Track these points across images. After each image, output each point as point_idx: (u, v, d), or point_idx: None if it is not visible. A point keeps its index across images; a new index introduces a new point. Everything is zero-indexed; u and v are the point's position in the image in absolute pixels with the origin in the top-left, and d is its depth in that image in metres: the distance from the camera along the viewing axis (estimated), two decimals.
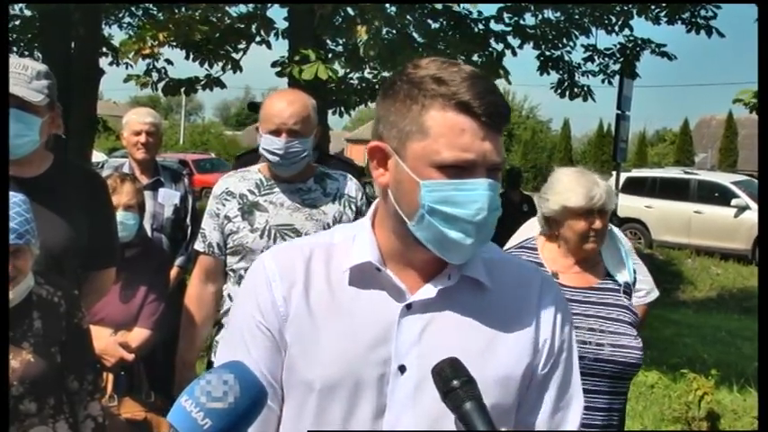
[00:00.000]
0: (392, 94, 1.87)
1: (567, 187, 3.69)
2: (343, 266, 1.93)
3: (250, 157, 5.46)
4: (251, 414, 1.64)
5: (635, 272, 3.89)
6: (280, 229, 3.90)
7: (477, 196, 1.79)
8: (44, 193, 3.42)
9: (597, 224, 3.66)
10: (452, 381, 1.75)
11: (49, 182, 3.51)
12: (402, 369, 1.87)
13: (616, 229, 4.87)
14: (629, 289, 3.77)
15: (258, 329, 1.94)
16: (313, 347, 1.89)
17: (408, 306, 1.89)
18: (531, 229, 4.30)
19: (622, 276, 3.78)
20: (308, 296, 1.92)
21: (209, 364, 4.30)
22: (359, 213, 4.00)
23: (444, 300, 1.90)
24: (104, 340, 4.17)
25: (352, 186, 4.11)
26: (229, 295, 4.05)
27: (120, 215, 4.31)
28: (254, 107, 5.01)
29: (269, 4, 11.35)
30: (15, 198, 2.98)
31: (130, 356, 4.28)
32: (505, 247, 4.02)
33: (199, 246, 4.11)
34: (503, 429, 1.89)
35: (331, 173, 4.16)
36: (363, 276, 1.92)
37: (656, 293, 4.98)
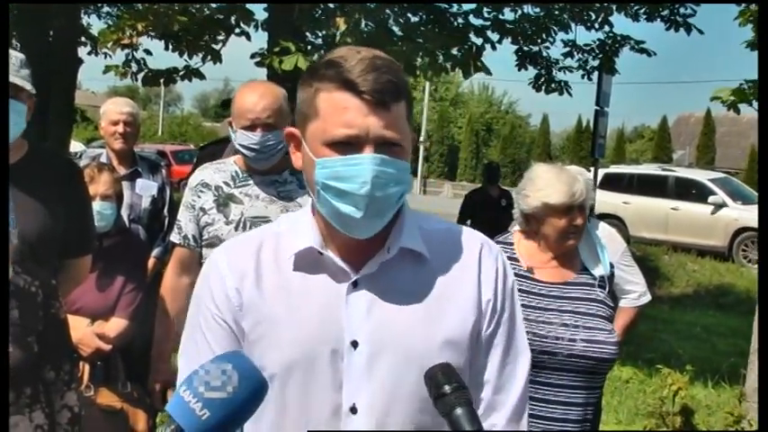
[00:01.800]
0: (300, 83, 2.00)
1: (548, 183, 3.68)
2: (288, 253, 2.01)
3: (213, 148, 5.45)
4: (250, 405, 1.64)
5: (612, 265, 3.89)
6: (255, 222, 3.89)
7: (361, 170, 1.86)
8: (19, 181, 3.41)
9: (578, 221, 3.66)
10: (444, 386, 1.78)
11: (23, 169, 3.50)
12: (354, 344, 1.96)
13: (603, 224, 4.89)
14: (604, 282, 3.76)
15: (215, 322, 2.02)
16: (268, 333, 1.97)
17: (354, 284, 1.98)
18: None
19: (598, 270, 3.77)
20: (260, 285, 2.01)
21: None
22: None
23: (387, 273, 1.99)
24: (81, 330, 4.16)
25: None
26: None
27: (98, 205, 4.29)
28: (227, 104, 5.01)
29: None
30: None
31: (107, 347, 4.27)
32: None
33: (174, 237, 4.11)
34: None
35: None
36: (308, 261, 2.01)
37: (648, 297, 5.01)
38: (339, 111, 1.87)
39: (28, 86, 3.42)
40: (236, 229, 3.89)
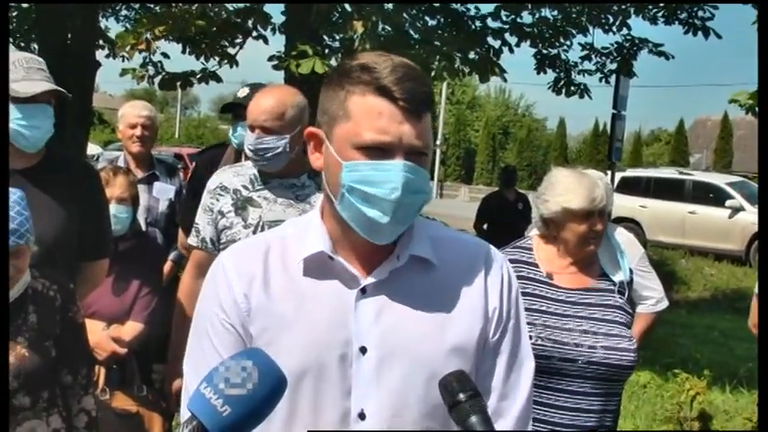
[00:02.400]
0: (327, 84, 2.00)
1: (568, 188, 3.64)
2: (297, 258, 2.00)
3: (212, 152, 5.45)
4: (270, 401, 1.64)
5: (631, 271, 3.86)
6: (272, 225, 3.84)
7: (392, 176, 1.87)
8: (37, 185, 3.43)
9: (599, 226, 3.62)
10: (459, 394, 1.78)
11: (41, 173, 3.52)
12: (363, 350, 1.96)
13: (621, 229, 4.85)
14: (623, 288, 3.72)
15: (222, 326, 2.02)
16: (277, 338, 1.96)
17: (363, 290, 1.98)
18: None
19: (618, 276, 3.73)
20: (268, 289, 2.01)
21: None
22: None
23: (396, 280, 2.00)
24: (97, 334, 4.16)
25: None
26: None
27: (113, 208, 4.29)
28: (225, 109, 5.03)
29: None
30: (14, 196, 2.97)
31: (123, 350, 4.27)
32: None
33: (192, 240, 4.11)
34: None
35: None
36: (317, 266, 2.01)
37: (665, 303, 4.96)
38: (373, 115, 1.87)
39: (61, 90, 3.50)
40: (255, 232, 3.88)
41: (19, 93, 3.38)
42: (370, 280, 1.98)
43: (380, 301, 1.98)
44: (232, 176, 4.05)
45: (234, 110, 5.09)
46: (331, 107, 1.95)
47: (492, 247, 2.17)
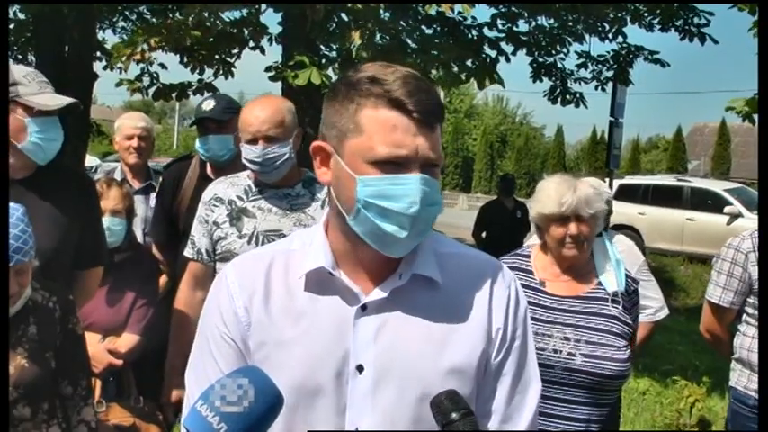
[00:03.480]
0: (332, 96, 1.97)
1: (544, 194, 3.74)
2: (299, 273, 1.99)
3: (178, 165, 5.42)
4: (266, 419, 1.64)
5: (634, 281, 3.86)
6: (268, 235, 3.89)
7: (409, 190, 1.85)
8: (35, 194, 3.43)
9: (572, 230, 3.66)
10: (451, 413, 1.78)
11: (39, 183, 3.51)
12: (360, 369, 1.93)
13: (621, 237, 4.86)
14: (617, 298, 3.72)
15: (223, 340, 2.00)
16: (275, 353, 1.95)
17: (363, 307, 1.96)
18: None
19: (611, 285, 3.74)
20: (268, 303, 1.99)
21: None
22: None
23: (397, 299, 1.97)
24: (93, 346, 4.15)
25: None
26: None
27: (107, 221, 4.29)
28: (195, 123, 4.98)
29: (263, 9, 11.31)
30: (17, 212, 2.96)
31: (119, 362, 4.26)
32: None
33: (188, 252, 4.11)
34: None
35: None
36: (318, 281, 1.99)
37: (665, 312, 4.97)
38: (387, 129, 1.85)
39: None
40: (249, 242, 3.90)
41: (41, 106, 3.36)
42: (371, 297, 1.96)
43: (380, 319, 1.96)
44: (226, 187, 4.06)
45: (202, 123, 5.03)
46: (339, 121, 1.92)
47: (503, 265, 2.14)
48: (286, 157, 3.89)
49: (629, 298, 3.77)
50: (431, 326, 1.96)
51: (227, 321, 2.00)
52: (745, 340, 4.35)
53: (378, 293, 1.96)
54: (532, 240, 4.21)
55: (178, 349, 4.14)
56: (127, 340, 4.35)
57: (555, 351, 3.53)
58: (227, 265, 2.12)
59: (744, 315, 4.38)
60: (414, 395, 1.91)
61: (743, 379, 4.36)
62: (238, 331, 1.98)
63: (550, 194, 3.70)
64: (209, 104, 5.05)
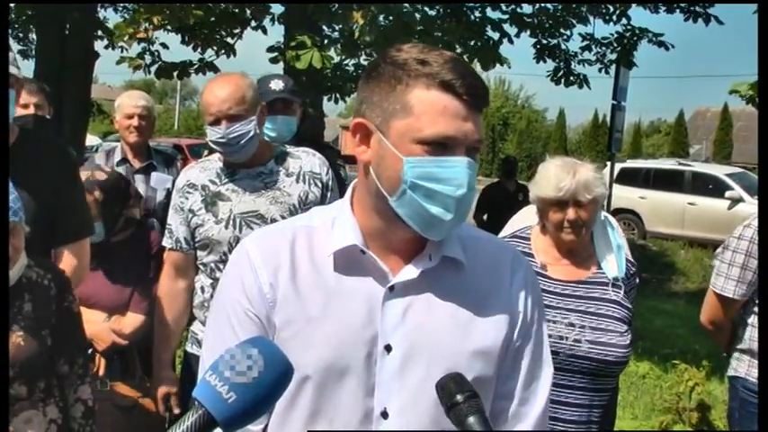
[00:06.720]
0: (376, 76, 1.93)
1: (543, 177, 3.69)
2: (327, 251, 1.98)
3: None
4: (276, 389, 1.62)
5: (633, 265, 3.83)
6: (244, 217, 3.84)
7: (457, 173, 1.86)
8: (11, 168, 3.37)
9: (570, 214, 3.62)
10: (456, 395, 1.77)
11: (15, 156, 3.44)
12: (388, 348, 1.94)
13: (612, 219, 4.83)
14: (617, 283, 3.70)
15: (246, 316, 1.98)
16: (303, 332, 1.93)
17: (391, 288, 1.96)
18: (525, 218, 4.27)
19: (612, 270, 3.71)
20: (295, 280, 1.97)
21: (186, 355, 4.26)
22: (326, 189, 3.92)
23: (425, 280, 1.97)
24: (98, 325, 4.15)
25: (315, 162, 4.01)
26: (202, 287, 4.00)
27: None
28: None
29: None
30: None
31: (123, 342, 4.25)
32: (500, 235, 4.00)
33: (166, 242, 4.06)
34: None
35: (292, 151, 4.05)
36: (347, 260, 1.97)
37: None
38: (438, 110, 1.84)
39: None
40: (227, 227, 3.84)
41: None
42: (400, 278, 1.96)
43: (408, 300, 1.96)
44: (199, 172, 4.00)
45: (271, 104, 4.94)
46: (385, 101, 1.89)
47: (516, 250, 2.17)
48: (251, 134, 3.81)
49: (628, 281, 3.75)
50: (457, 308, 1.98)
51: (251, 297, 1.97)
52: (756, 332, 4.31)
53: (406, 274, 1.96)
54: (526, 220, 4.15)
55: (163, 342, 4.11)
56: (131, 320, 4.32)
57: (560, 338, 3.51)
58: (246, 239, 2.08)
59: (753, 306, 4.33)
60: (441, 375, 1.88)
61: (753, 370, 4.31)
62: (263, 307, 1.96)
63: (549, 178, 3.65)
64: (277, 84, 5.02)
